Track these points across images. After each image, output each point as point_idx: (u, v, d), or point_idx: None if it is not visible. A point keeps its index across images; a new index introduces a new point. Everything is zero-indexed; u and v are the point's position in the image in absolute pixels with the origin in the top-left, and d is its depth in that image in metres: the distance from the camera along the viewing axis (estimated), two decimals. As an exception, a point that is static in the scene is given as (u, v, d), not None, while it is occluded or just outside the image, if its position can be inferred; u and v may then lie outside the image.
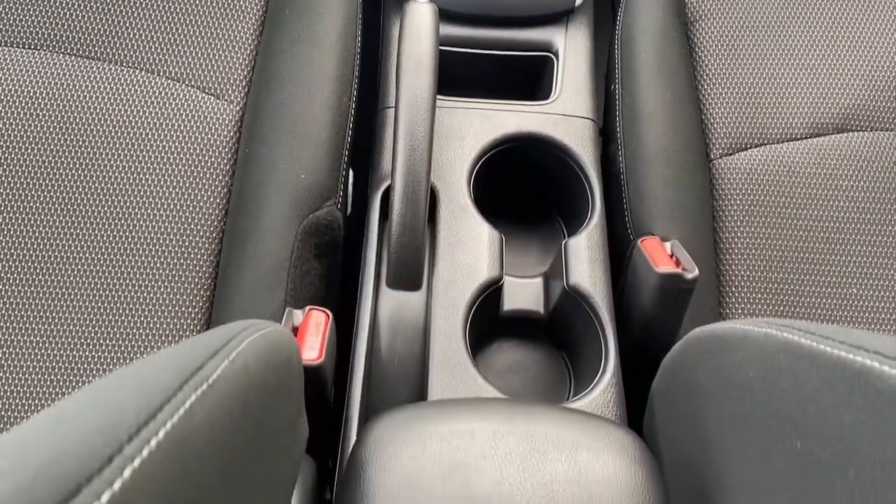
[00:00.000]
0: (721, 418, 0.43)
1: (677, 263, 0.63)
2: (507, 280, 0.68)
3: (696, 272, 0.61)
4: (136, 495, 0.19)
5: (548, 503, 0.40)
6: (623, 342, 0.68)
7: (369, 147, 0.76)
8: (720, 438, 0.43)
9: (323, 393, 0.57)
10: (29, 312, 0.61)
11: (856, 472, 0.31)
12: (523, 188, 0.78)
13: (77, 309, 0.62)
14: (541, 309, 0.69)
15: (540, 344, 0.70)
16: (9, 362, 0.60)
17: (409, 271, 0.59)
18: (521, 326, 0.70)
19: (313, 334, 0.55)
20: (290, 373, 0.38)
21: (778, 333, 0.38)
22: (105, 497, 0.17)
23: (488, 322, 0.68)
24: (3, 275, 0.62)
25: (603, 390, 0.59)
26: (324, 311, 0.58)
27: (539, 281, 0.70)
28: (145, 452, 0.20)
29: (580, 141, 0.72)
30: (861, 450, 0.30)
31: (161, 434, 0.21)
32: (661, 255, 0.64)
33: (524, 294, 0.69)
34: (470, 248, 0.64)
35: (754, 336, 0.40)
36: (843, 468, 0.31)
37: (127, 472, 0.18)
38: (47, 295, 0.62)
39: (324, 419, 0.60)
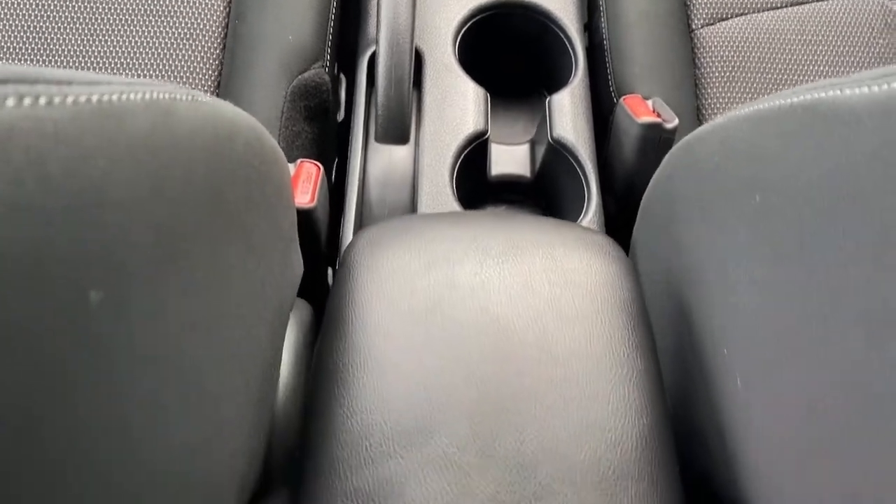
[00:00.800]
0: (691, 216, 0.45)
1: (658, 116, 0.65)
2: (494, 147, 0.70)
3: (676, 121, 0.63)
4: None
5: (524, 289, 0.42)
6: (608, 203, 0.70)
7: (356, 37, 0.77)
8: (692, 237, 0.45)
9: (317, 239, 0.60)
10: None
11: (809, 210, 0.33)
12: (509, 60, 0.80)
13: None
14: (527, 173, 0.71)
15: (527, 207, 0.73)
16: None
17: (397, 124, 0.61)
18: (509, 192, 0.72)
19: (305, 181, 0.58)
20: (254, 150, 0.36)
21: (739, 112, 0.40)
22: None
23: (476, 185, 0.70)
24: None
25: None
26: (315, 164, 0.60)
27: (525, 147, 0.72)
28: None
29: (562, 6, 0.74)
30: (809, 181, 0.32)
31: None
32: (643, 108, 0.65)
33: (511, 159, 0.71)
34: (455, 104, 0.66)
35: (719, 124, 0.42)
36: (793, 210, 0.34)
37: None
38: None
39: (319, 268, 0.63)
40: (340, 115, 0.78)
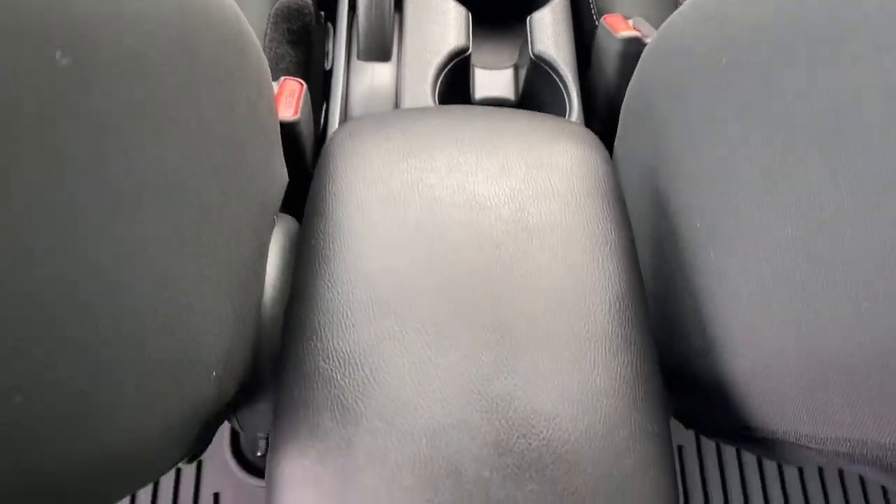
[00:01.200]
0: (663, 102, 0.46)
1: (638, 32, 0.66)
2: (478, 72, 0.71)
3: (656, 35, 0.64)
4: None
5: (501, 170, 0.43)
6: (593, 126, 0.71)
7: None
8: (665, 121, 0.46)
9: (302, 154, 0.60)
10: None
11: (769, 54, 0.33)
12: None
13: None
14: (511, 96, 0.71)
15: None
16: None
17: (378, 40, 0.61)
18: None
19: (288, 97, 0.58)
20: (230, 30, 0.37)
21: None
22: None
23: (460, 109, 0.70)
24: None
25: None
26: (298, 81, 0.60)
27: (509, 71, 0.72)
28: None
29: None
30: (769, 27, 0.33)
31: None
32: (623, 26, 0.66)
33: (495, 83, 0.71)
34: (437, 22, 0.66)
35: (687, 5, 0.42)
36: (756, 58, 0.34)
37: None
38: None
39: (304, 185, 0.63)
40: (328, 64, 0.78)
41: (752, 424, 0.40)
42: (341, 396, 0.35)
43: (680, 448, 0.91)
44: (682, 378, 0.47)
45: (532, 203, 0.41)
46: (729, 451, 0.91)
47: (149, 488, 0.85)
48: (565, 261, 0.39)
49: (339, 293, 0.39)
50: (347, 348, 0.37)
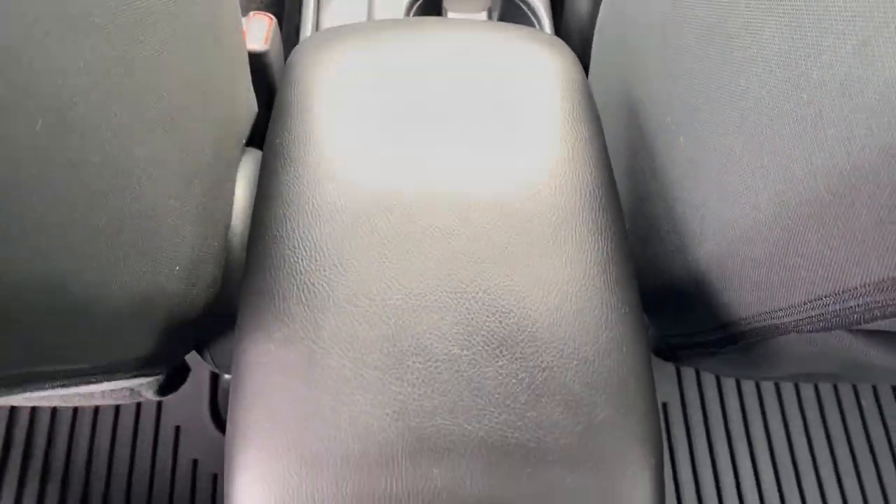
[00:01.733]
0: (637, 19, 0.46)
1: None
2: (451, 16, 0.70)
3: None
4: None
5: (472, 72, 0.42)
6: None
7: None
8: (638, 34, 0.46)
9: (273, 86, 0.60)
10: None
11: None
12: None
13: None
14: (485, 40, 0.71)
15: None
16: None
17: (349, -26, 0.61)
18: None
19: (257, 30, 0.58)
20: None
21: None
22: None
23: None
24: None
25: None
26: (267, 15, 0.59)
27: (483, 15, 0.72)
28: None
29: None
30: None
31: None
32: (595, -38, 0.66)
33: (469, 27, 0.71)
34: None
35: None
36: None
37: None
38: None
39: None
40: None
41: (730, 318, 0.40)
42: (308, 282, 0.35)
43: (665, 405, 0.91)
44: (660, 290, 0.47)
45: (503, 102, 0.41)
46: (713, 405, 0.91)
47: (125, 454, 0.83)
48: (536, 151, 0.39)
49: (304, 186, 0.38)
50: (313, 237, 0.36)
